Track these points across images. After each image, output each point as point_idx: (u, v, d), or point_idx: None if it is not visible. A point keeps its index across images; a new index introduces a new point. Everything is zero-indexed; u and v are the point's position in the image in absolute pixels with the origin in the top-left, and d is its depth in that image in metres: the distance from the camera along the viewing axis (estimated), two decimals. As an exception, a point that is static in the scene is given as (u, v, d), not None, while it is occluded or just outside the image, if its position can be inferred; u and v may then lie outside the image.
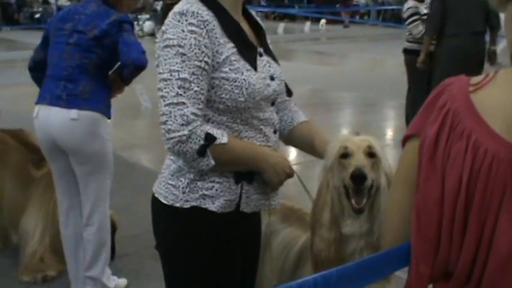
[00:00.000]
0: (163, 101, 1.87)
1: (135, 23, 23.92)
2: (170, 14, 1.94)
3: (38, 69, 3.64)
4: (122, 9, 3.60)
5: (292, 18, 29.17)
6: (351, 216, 2.07)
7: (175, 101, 1.85)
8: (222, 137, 1.92)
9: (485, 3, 5.99)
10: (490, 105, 1.27)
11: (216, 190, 2.01)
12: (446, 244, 1.30)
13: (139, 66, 3.43)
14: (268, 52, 2.19)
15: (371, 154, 2.07)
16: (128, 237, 4.76)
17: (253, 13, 2.27)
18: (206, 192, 2.00)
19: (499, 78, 1.31)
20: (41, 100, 3.54)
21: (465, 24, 6.59)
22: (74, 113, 3.42)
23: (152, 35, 21.56)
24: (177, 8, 1.94)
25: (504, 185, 1.22)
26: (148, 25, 22.33)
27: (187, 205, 2.01)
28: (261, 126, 2.07)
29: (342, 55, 17.78)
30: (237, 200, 2.04)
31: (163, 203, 2.04)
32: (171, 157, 2.06)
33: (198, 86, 1.88)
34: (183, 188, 2.01)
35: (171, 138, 1.85)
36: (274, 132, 2.15)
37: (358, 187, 2.02)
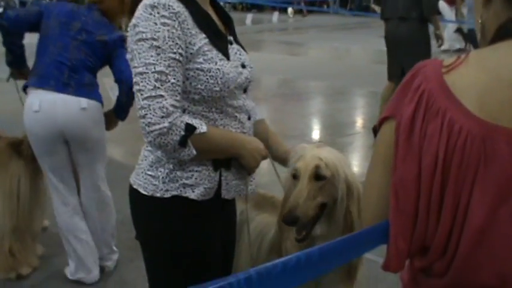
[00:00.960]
0: (141, 94, 1.87)
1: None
2: (140, 7, 1.93)
3: (14, 34, 3.67)
4: (115, 22, 3.78)
5: (260, 8, 29.17)
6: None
7: (153, 94, 1.85)
8: (201, 126, 1.95)
9: None
10: (463, 85, 1.33)
11: (196, 179, 2.04)
12: (424, 219, 1.36)
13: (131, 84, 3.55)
14: (237, 40, 2.24)
15: (319, 176, 2.17)
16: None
17: (222, 3, 2.29)
18: (186, 181, 2.03)
19: (470, 59, 1.36)
20: (43, 85, 3.55)
21: (394, 9, 7.08)
22: (84, 102, 3.55)
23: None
24: (147, 1, 1.93)
25: (478, 160, 1.28)
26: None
27: (167, 195, 2.03)
28: (236, 114, 2.11)
29: (310, 45, 17.85)
30: (216, 187, 2.08)
31: (142, 194, 2.06)
32: (149, 148, 2.08)
33: (174, 78, 1.89)
34: (163, 178, 2.03)
35: (152, 131, 1.85)
36: (249, 118, 2.19)
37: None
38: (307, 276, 1.22)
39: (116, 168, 6.21)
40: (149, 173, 2.06)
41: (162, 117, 1.85)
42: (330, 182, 2.18)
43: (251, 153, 2.10)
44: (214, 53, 2.00)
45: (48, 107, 3.51)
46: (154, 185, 2.04)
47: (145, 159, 2.09)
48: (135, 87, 1.90)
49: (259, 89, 10.91)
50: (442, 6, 13.72)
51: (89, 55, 3.62)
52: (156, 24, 1.89)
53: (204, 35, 2.00)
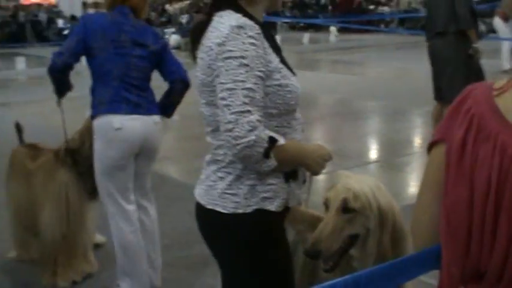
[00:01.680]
0: (228, 109, 1.99)
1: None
2: (225, 27, 2.06)
3: (64, 71, 3.67)
4: (141, 17, 3.78)
5: (317, 28, 29.18)
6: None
7: (241, 109, 1.97)
8: (280, 138, 2.08)
9: (452, 5, 6.20)
10: None
11: (274, 192, 2.16)
12: (477, 244, 1.33)
13: (187, 84, 3.77)
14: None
15: (347, 209, 2.15)
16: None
17: (279, 23, 2.40)
18: (265, 195, 2.15)
19: None
20: (117, 109, 3.61)
21: (434, 26, 7.02)
22: (156, 117, 3.71)
23: (177, 48, 21.74)
24: (233, 22, 2.06)
25: None
26: (174, 38, 22.47)
27: (249, 209, 2.15)
28: (297, 126, 2.27)
29: (367, 64, 17.75)
30: (287, 197, 2.21)
31: (222, 213, 2.16)
32: (224, 170, 2.17)
33: (259, 95, 2.03)
34: (244, 194, 2.14)
35: (239, 144, 1.98)
36: (302, 130, 2.33)
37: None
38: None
39: (172, 187, 6.30)
40: (228, 192, 2.16)
41: (249, 131, 1.97)
42: (361, 213, 2.16)
43: (316, 160, 2.21)
44: (285, 70, 2.17)
45: (128, 124, 3.59)
46: (236, 202, 2.15)
47: (221, 180, 2.18)
48: (222, 102, 2.01)
49: (316, 109, 10.91)
50: (497, 22, 13.13)
51: (148, 68, 3.70)
52: (244, 43, 2.03)
53: (275, 54, 2.16)
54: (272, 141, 2.03)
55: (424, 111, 8.83)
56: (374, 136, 9.08)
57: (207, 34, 2.16)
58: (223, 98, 2.01)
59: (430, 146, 1.46)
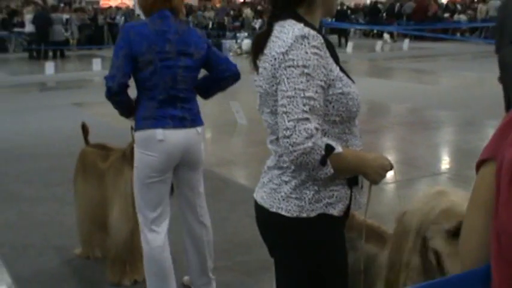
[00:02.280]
0: (287, 116, 2.03)
1: (234, 41, 24.38)
2: (290, 37, 2.09)
3: (122, 92, 3.56)
4: (180, 17, 3.70)
5: (391, 35, 28.80)
6: None
7: (300, 116, 2.01)
8: (337, 146, 2.10)
9: None
10: None
11: (336, 197, 2.21)
12: None
13: (238, 77, 3.84)
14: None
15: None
16: (219, 251, 4.81)
17: (352, 30, 2.42)
18: (329, 200, 2.20)
19: None
20: (163, 124, 3.56)
21: (506, 35, 6.80)
22: (199, 129, 3.70)
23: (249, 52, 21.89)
24: (297, 32, 2.09)
25: None
26: (246, 43, 22.62)
27: (313, 214, 2.19)
28: (357, 133, 2.31)
29: (440, 73, 17.38)
30: (349, 202, 2.26)
31: (286, 216, 2.20)
32: (290, 174, 2.21)
33: (319, 104, 2.06)
34: (309, 199, 2.18)
35: (296, 151, 2.01)
36: (360, 136, 2.36)
37: None
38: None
39: (235, 191, 6.35)
40: (293, 195, 2.20)
41: (307, 138, 2.00)
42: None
43: (376, 170, 2.22)
44: (346, 79, 2.19)
45: (172, 140, 3.57)
46: (300, 206, 2.19)
47: (286, 184, 2.22)
48: (282, 109, 2.06)
49: (386, 117, 10.76)
50: None
51: (194, 77, 3.68)
52: (307, 53, 2.06)
53: (335, 63, 2.18)
54: (329, 149, 2.06)
55: (497, 123, 8.55)
56: (444, 147, 8.87)
57: (270, 44, 2.19)
58: (283, 105, 2.05)
59: (479, 164, 1.40)
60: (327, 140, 2.08)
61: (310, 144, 2.00)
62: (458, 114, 10.75)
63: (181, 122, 3.60)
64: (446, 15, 29.63)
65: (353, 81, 2.24)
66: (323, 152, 2.04)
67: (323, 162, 2.05)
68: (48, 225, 5.51)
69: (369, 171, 2.21)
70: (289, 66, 2.06)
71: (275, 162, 2.27)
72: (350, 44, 23.42)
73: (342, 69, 2.20)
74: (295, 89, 2.03)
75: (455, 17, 29.06)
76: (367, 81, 14.36)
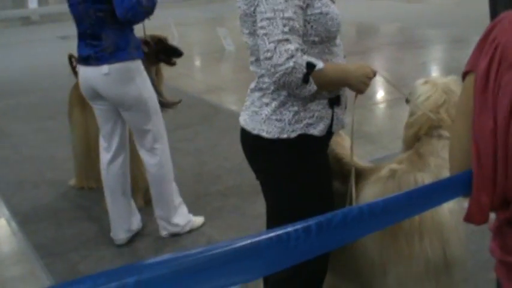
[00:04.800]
0: (268, 38, 2.03)
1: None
2: None
3: None
4: None
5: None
6: None
7: (280, 37, 2.02)
8: (318, 63, 2.11)
9: None
10: None
11: (317, 118, 2.23)
12: (503, 173, 1.35)
13: (130, 16, 3.46)
14: None
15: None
16: (211, 177, 4.92)
17: None
18: (309, 121, 2.22)
19: None
20: (78, 62, 3.73)
21: None
22: (105, 68, 3.55)
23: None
24: None
25: None
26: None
27: (293, 134, 2.21)
28: (339, 52, 2.32)
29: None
30: (330, 122, 2.27)
31: (267, 138, 2.23)
32: (270, 95, 2.23)
33: (298, 24, 2.06)
34: (289, 120, 2.20)
35: (277, 72, 2.03)
36: (344, 56, 2.38)
37: None
38: (369, 228, 1.22)
39: (226, 117, 6.38)
40: (273, 117, 2.22)
41: (287, 58, 2.01)
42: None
43: (359, 79, 2.24)
44: None
45: (82, 74, 3.70)
46: (280, 127, 2.21)
47: (267, 106, 2.23)
48: (261, 31, 2.06)
49: (374, 38, 10.69)
50: None
51: (98, 9, 3.52)
52: None
53: None
54: (310, 66, 2.07)
55: (486, 39, 8.56)
56: (432, 65, 8.87)
57: None
58: (262, 27, 2.05)
59: (463, 77, 1.46)
60: (307, 58, 2.08)
61: (291, 64, 2.01)
62: (447, 32, 10.70)
63: (87, 61, 3.59)
64: None
65: (333, 1, 2.24)
66: (305, 70, 2.05)
67: (305, 80, 2.06)
68: (41, 159, 5.56)
69: (352, 82, 2.23)
70: None
71: (255, 84, 2.29)
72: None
73: None
74: (274, 10, 2.03)
75: None
76: (355, 1, 14.18)
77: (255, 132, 2.26)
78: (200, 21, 14.02)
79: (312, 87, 2.10)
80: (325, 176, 2.37)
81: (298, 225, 1.06)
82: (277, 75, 2.03)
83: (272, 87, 2.20)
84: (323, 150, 2.35)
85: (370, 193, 2.40)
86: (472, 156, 1.40)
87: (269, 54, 2.03)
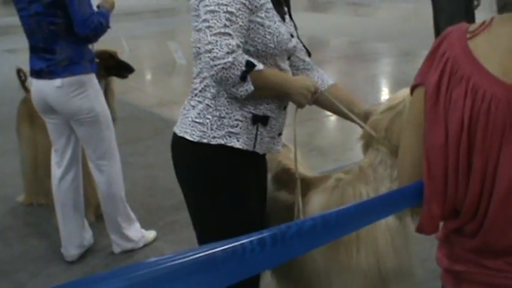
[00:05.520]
0: (210, 31, 2.00)
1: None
2: None
3: None
4: None
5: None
6: None
7: (222, 31, 1.99)
8: (258, 64, 2.07)
9: None
10: (486, 51, 1.34)
11: (240, 128, 2.17)
12: (453, 184, 1.39)
13: (87, 39, 3.55)
14: (291, 15, 2.36)
15: None
16: (163, 191, 4.88)
17: None
18: (231, 130, 2.17)
19: (494, 25, 1.37)
20: (31, 75, 3.66)
21: None
22: (57, 82, 3.51)
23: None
24: None
25: (504, 123, 1.30)
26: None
27: (214, 141, 2.16)
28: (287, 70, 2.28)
29: (377, 5, 17.47)
30: (253, 140, 2.21)
31: (189, 140, 2.18)
32: (197, 99, 2.19)
33: (242, 21, 2.04)
34: (211, 124, 2.16)
35: (216, 65, 1.99)
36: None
37: None
38: (323, 239, 1.23)
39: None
40: (197, 120, 2.18)
41: (227, 53, 1.98)
42: None
43: (299, 90, 2.20)
44: (274, 14, 2.16)
45: (35, 87, 3.67)
46: (202, 131, 2.16)
47: (193, 109, 2.20)
48: (204, 24, 2.02)
49: (325, 51, 10.81)
50: None
51: (51, 23, 3.48)
52: None
53: None
54: (250, 65, 2.03)
55: (433, 53, 8.77)
56: (382, 78, 9.02)
57: None
58: (205, 20, 2.02)
59: (412, 90, 1.49)
60: (247, 57, 2.05)
61: (230, 59, 1.98)
62: (395, 45, 10.90)
63: (40, 74, 3.56)
64: None
65: (283, 21, 2.21)
66: (243, 68, 2.01)
67: (243, 77, 2.02)
68: (-12, 175, 5.44)
69: (291, 91, 2.19)
70: None
71: (190, 87, 2.26)
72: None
73: (276, 7, 2.18)
74: (218, 3, 2.01)
75: None
76: (305, 16, 14.34)
77: (181, 134, 2.22)
78: (151, 35, 13.95)
79: (249, 86, 2.05)
80: (247, 196, 2.28)
81: (253, 237, 1.06)
82: (215, 68, 1.99)
83: (200, 88, 2.18)
84: (244, 168, 2.25)
85: (316, 202, 2.40)
86: (423, 168, 1.43)
87: (209, 47, 1.99)
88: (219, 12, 2.00)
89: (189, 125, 2.19)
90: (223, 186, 2.22)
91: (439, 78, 1.37)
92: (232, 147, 2.17)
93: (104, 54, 4.09)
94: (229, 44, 1.98)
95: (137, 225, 4.01)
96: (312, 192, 2.46)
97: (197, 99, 2.20)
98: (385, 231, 2.27)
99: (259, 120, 2.21)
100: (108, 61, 4.12)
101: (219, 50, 1.98)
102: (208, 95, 2.16)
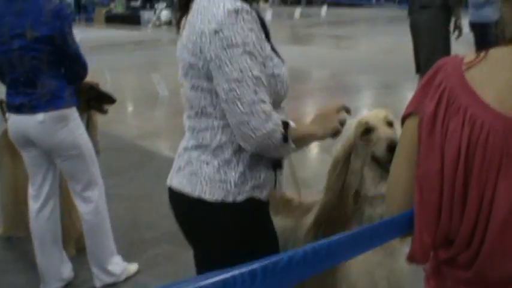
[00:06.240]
0: (240, 101, 1.85)
1: (153, 12, 24.00)
2: (220, 13, 1.89)
3: None
4: None
5: (308, 2, 29.07)
6: (373, 181, 2.29)
7: (254, 98, 1.86)
8: (289, 120, 1.98)
9: None
10: (483, 82, 1.35)
11: (263, 180, 2.04)
12: (448, 213, 1.38)
13: (77, 79, 3.69)
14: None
15: (390, 123, 2.27)
16: (146, 223, 4.85)
17: None
18: (256, 182, 2.02)
19: (490, 56, 1.39)
20: (9, 110, 3.60)
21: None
22: (40, 116, 3.49)
23: (169, 23, 21.57)
24: (228, 6, 1.89)
25: (501, 154, 1.30)
26: (165, 14, 22.35)
27: (240, 198, 2.00)
28: (283, 116, 2.13)
29: (358, 38, 17.69)
30: (273, 186, 2.10)
31: (209, 202, 2.00)
32: (210, 153, 2.01)
33: (265, 81, 1.91)
34: (234, 181, 1.99)
35: (258, 136, 1.87)
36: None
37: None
38: (314, 270, 1.21)
39: (161, 163, 6.30)
40: (216, 177, 2.00)
41: (266, 120, 1.87)
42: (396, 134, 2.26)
43: (327, 131, 2.10)
44: (276, 58, 2.03)
45: (14, 123, 3.63)
46: (224, 189, 1.99)
47: (208, 165, 2.01)
48: (231, 94, 1.87)
49: (307, 83, 10.88)
50: None
51: (34, 57, 3.46)
52: (243, 30, 1.88)
53: (266, 40, 2.02)
54: (285, 124, 1.94)
55: (414, 85, 8.85)
56: (364, 109, 9.07)
57: (195, 12, 1.97)
58: (232, 90, 1.86)
59: (404, 118, 1.49)
60: (279, 116, 1.94)
61: (271, 125, 1.87)
62: (376, 78, 11.02)
63: (21, 109, 3.52)
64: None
65: (283, 61, 2.08)
66: (282, 130, 1.91)
67: (285, 139, 1.91)
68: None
69: (322, 135, 2.10)
70: (228, 46, 1.86)
71: (193, 142, 2.06)
72: (269, 12, 23.48)
73: (273, 48, 2.05)
74: (241, 70, 1.85)
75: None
76: (288, 48, 14.44)
77: (196, 194, 2.01)
78: (134, 67, 13.97)
79: (291, 146, 1.94)
80: (272, 243, 2.17)
81: (244, 269, 1.04)
82: (258, 139, 1.87)
83: (214, 145, 2.00)
84: (269, 216, 2.16)
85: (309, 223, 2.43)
86: (414, 197, 1.43)
87: (246, 118, 1.85)
88: (245, 79, 1.86)
89: (206, 183, 2.00)
90: (253, 236, 2.07)
91: (436, 108, 1.38)
92: (259, 200, 2.05)
93: (85, 86, 4.07)
94: (265, 111, 1.87)
95: (119, 258, 3.96)
96: (306, 216, 2.47)
97: (213, 153, 2.01)
98: (361, 263, 2.25)
99: (278, 165, 2.10)
100: (89, 93, 4.09)
101: (258, 119, 1.85)
102: (228, 150, 1.99)
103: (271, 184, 2.08)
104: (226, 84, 1.87)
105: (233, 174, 1.99)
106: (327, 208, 2.34)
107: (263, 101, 1.87)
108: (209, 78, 1.94)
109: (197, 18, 1.95)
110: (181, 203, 2.10)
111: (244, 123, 1.86)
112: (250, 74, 1.86)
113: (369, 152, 2.28)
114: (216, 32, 1.88)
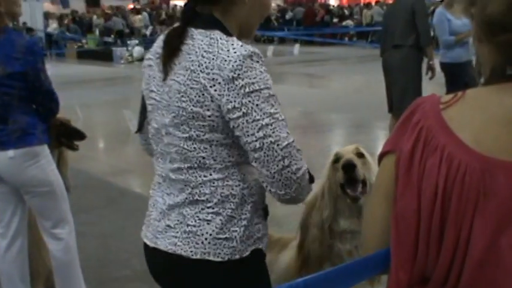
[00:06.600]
0: (278, 145, 1.80)
1: (125, 48, 24.02)
2: (234, 58, 1.82)
3: None
4: (4, 23, 3.41)
5: (281, 40, 29.40)
6: (343, 216, 2.46)
7: (290, 140, 1.83)
8: None
9: (411, 20, 6.55)
10: (460, 121, 1.38)
11: (261, 230, 2.00)
12: (424, 251, 1.38)
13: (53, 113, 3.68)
14: None
15: (360, 154, 2.46)
16: (118, 261, 4.78)
17: None
18: (258, 235, 1.98)
19: (467, 96, 1.42)
20: None
21: (391, 39, 7.27)
22: (10, 153, 3.44)
23: (142, 60, 21.58)
24: (242, 51, 1.84)
25: (477, 193, 1.32)
26: (137, 50, 22.42)
27: (246, 253, 1.94)
28: None
29: (330, 77, 17.89)
30: (267, 234, 2.06)
31: (214, 262, 1.91)
32: (210, 210, 1.91)
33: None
34: (240, 237, 1.92)
35: (301, 176, 1.84)
36: None
37: (350, 176, 2.39)
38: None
39: (133, 199, 6.26)
40: (220, 236, 1.90)
41: (301, 159, 1.86)
42: (366, 165, 2.45)
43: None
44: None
45: None
46: (231, 247, 1.91)
47: (209, 223, 1.91)
48: (266, 140, 1.81)
49: (279, 121, 10.90)
50: None
51: (4, 93, 3.42)
52: (262, 72, 1.85)
53: None
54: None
55: (386, 124, 8.94)
56: (336, 148, 9.12)
57: (188, 55, 1.88)
58: (266, 136, 1.80)
59: (381, 156, 1.51)
60: None
61: (305, 164, 1.85)
62: (348, 116, 11.12)
63: None
64: (336, 20, 30.50)
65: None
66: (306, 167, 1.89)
67: (311, 179, 1.90)
68: None
69: None
70: (251, 92, 1.80)
71: (185, 197, 1.93)
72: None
73: None
74: (270, 114, 1.81)
75: (344, 22, 29.94)
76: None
77: (197, 256, 1.90)
78: (105, 103, 13.92)
79: (311, 185, 1.93)
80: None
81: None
82: (299, 180, 1.83)
83: (215, 200, 1.90)
84: (266, 264, 2.10)
85: (283, 260, 2.60)
86: (391, 235, 1.43)
87: (287, 162, 1.81)
88: (276, 122, 1.82)
89: (209, 243, 1.90)
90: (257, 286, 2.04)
91: (413, 147, 1.39)
92: (261, 250, 2.00)
93: (55, 122, 4.03)
94: (298, 150, 1.85)
95: None
96: (283, 252, 2.61)
97: (213, 210, 1.90)
98: None
99: (267, 212, 2.04)
100: (59, 129, 4.05)
101: (297, 161, 1.83)
102: (231, 205, 1.90)
103: (266, 233, 2.03)
104: (259, 132, 1.81)
105: (237, 230, 1.91)
106: (314, 243, 2.47)
107: (294, 142, 1.85)
108: (214, 128, 1.87)
109: (197, 64, 1.86)
110: (176, 266, 1.97)
111: (285, 167, 1.81)
112: (279, 117, 1.83)
113: (337, 180, 2.46)
114: (233, 79, 1.81)
